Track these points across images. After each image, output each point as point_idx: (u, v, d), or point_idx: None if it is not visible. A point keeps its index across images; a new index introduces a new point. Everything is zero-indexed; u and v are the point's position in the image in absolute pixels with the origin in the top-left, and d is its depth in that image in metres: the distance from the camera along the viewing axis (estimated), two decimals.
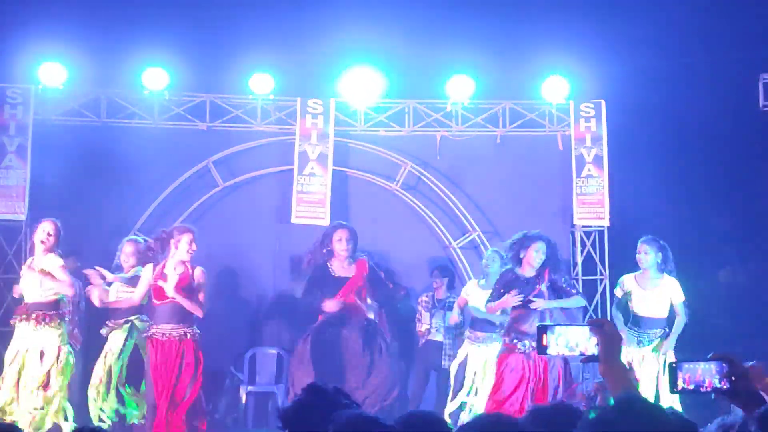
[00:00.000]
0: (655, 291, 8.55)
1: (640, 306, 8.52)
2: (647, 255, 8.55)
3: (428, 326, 9.78)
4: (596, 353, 3.20)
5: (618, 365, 3.13)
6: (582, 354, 3.24)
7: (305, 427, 3.54)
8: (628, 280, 8.73)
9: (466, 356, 9.16)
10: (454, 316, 9.54)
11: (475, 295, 9.21)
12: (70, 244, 9.85)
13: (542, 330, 3.27)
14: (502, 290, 7.94)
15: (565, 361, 7.74)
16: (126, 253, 9.05)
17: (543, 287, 7.90)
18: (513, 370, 7.71)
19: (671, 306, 8.61)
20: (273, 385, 10.42)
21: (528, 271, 7.98)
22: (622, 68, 11.03)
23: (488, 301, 8.13)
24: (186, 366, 7.86)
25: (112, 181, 10.59)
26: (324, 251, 8.82)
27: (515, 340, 7.79)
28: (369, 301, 8.95)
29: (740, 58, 10.99)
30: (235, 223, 10.84)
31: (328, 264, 8.75)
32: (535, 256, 7.92)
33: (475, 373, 9.06)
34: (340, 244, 8.82)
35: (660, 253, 8.60)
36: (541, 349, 3.28)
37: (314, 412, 3.59)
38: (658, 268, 8.57)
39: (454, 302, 9.76)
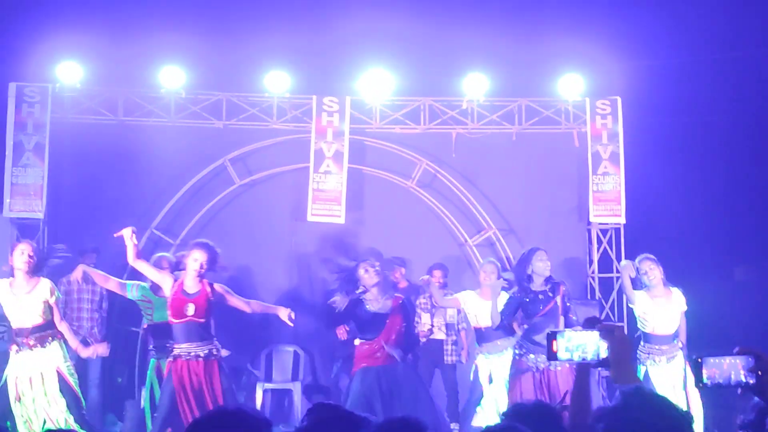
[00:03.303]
0: (667, 307, 8.33)
1: (654, 324, 8.29)
2: (652, 271, 8.24)
3: (430, 326, 9.69)
4: (606, 358, 3.20)
5: (628, 369, 3.12)
6: (593, 360, 3.24)
7: None
8: (642, 300, 8.31)
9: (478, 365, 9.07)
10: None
11: (475, 305, 8.98)
12: (88, 242, 9.93)
13: (552, 336, 3.27)
14: (517, 313, 7.87)
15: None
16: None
17: (558, 300, 7.83)
18: (524, 393, 7.60)
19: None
20: (289, 382, 10.43)
21: (539, 282, 7.85)
22: (638, 65, 11.02)
23: (503, 320, 7.97)
24: (214, 389, 7.49)
25: (129, 180, 10.62)
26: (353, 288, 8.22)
27: (524, 351, 7.69)
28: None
29: (757, 55, 10.95)
30: (252, 221, 10.87)
31: (362, 299, 8.09)
32: (541, 265, 7.88)
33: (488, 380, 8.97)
34: (367, 274, 8.12)
35: (660, 267, 8.38)
36: (551, 354, 3.27)
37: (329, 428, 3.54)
38: (664, 283, 8.37)
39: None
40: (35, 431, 7.42)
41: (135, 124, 10.80)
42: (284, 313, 7.82)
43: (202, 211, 10.69)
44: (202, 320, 7.63)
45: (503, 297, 8.13)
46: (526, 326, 7.91)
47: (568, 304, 7.86)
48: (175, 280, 7.72)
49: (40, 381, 7.51)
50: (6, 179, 10.15)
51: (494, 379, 8.63)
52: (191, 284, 7.66)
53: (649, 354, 8.16)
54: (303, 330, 11.00)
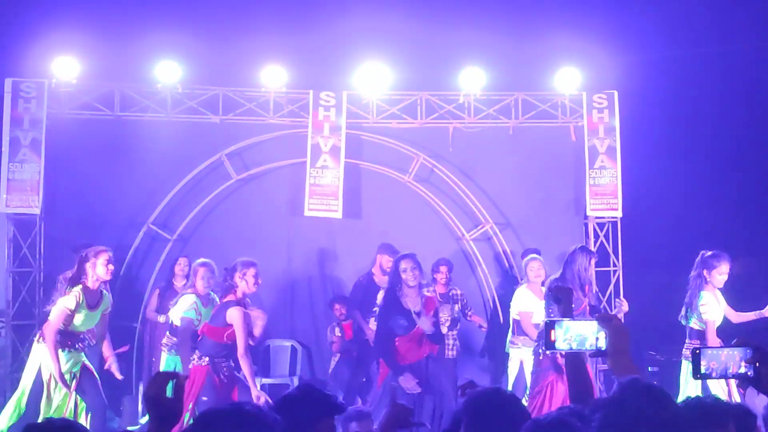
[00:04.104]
0: (722, 305, 8.27)
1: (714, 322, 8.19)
2: (727, 273, 8.07)
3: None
4: (604, 347, 3.20)
5: (626, 359, 3.12)
6: (590, 348, 3.25)
7: (293, 421, 3.59)
8: (712, 300, 8.05)
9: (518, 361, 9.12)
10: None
11: (527, 300, 9.00)
12: (84, 238, 9.92)
13: (550, 325, 3.28)
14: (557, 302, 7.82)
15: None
16: (201, 276, 8.38)
17: (586, 301, 7.81)
18: (551, 395, 7.59)
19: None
20: (287, 377, 10.44)
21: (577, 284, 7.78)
22: (635, 59, 11.02)
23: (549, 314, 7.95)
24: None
25: (125, 175, 10.60)
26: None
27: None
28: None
29: (753, 48, 10.96)
30: (248, 216, 10.86)
31: (399, 295, 7.93)
32: (591, 270, 7.96)
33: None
34: (405, 274, 7.95)
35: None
36: (549, 344, 3.28)
37: (305, 407, 3.65)
38: None
39: (456, 294, 9.72)
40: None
41: (131, 119, 10.79)
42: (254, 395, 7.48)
43: (199, 206, 10.67)
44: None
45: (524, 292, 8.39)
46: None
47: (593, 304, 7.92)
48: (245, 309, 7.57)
49: (74, 378, 7.60)
50: (2, 175, 10.13)
51: (525, 370, 8.73)
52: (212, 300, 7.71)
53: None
54: (300, 325, 11.02)
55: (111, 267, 7.68)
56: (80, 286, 7.55)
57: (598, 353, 3.22)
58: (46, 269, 10.23)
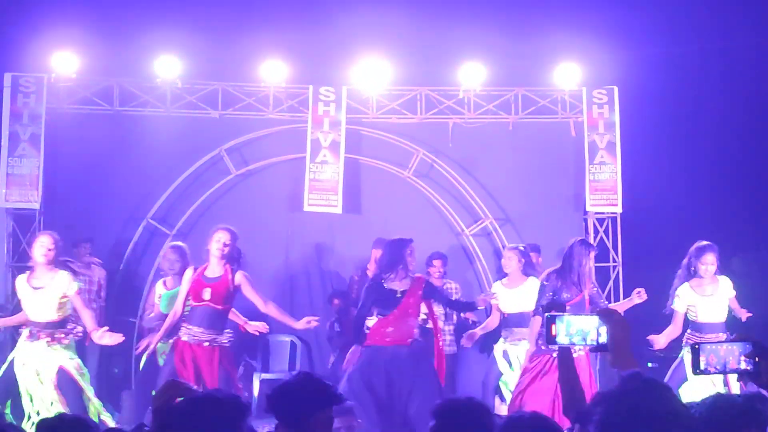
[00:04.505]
0: (715, 296, 8.30)
1: (703, 314, 8.25)
2: (713, 266, 8.15)
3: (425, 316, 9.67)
4: (605, 342, 3.20)
5: (627, 354, 3.12)
6: (592, 343, 3.24)
7: (290, 411, 3.57)
8: (686, 293, 8.20)
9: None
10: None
11: (502, 295, 8.99)
12: (84, 232, 9.93)
13: (551, 320, 3.27)
14: (551, 294, 7.84)
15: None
16: (170, 259, 8.57)
17: (586, 294, 7.85)
18: (542, 373, 7.65)
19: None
20: (286, 372, 10.43)
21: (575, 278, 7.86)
22: (635, 54, 11.01)
23: (538, 307, 7.91)
24: (213, 378, 7.46)
25: (124, 170, 10.59)
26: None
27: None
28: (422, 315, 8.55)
29: (754, 44, 10.95)
30: (248, 211, 10.83)
31: (382, 280, 7.97)
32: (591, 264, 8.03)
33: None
34: (411, 257, 8.02)
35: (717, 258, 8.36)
36: (550, 338, 3.27)
37: (301, 397, 3.62)
38: (716, 272, 8.35)
39: (451, 288, 9.71)
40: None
41: (131, 114, 10.77)
42: (302, 325, 7.76)
43: (198, 201, 10.66)
44: (219, 307, 7.63)
45: (533, 283, 8.37)
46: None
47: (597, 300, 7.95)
48: (195, 269, 7.66)
49: (41, 375, 7.51)
50: (1, 170, 10.12)
51: (514, 365, 8.69)
52: (214, 269, 7.66)
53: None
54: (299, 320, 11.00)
55: (46, 249, 7.56)
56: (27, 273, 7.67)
57: (599, 348, 3.22)
58: None
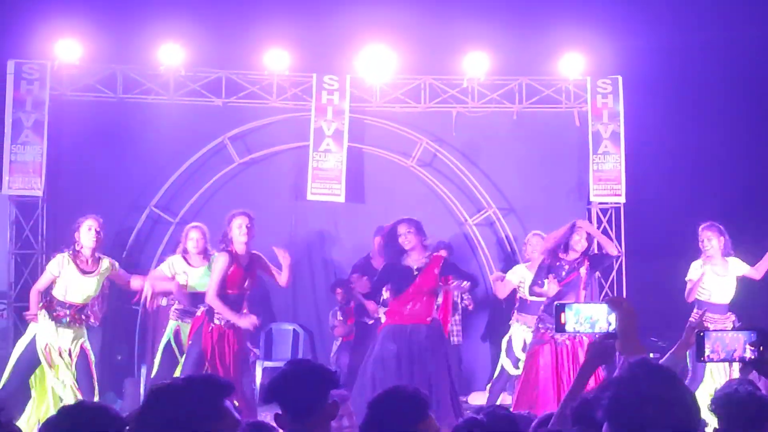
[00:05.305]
0: (725, 277, 8.47)
1: (709, 292, 8.42)
2: (710, 241, 8.50)
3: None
4: (614, 330, 3.20)
5: (635, 341, 3.12)
6: (601, 331, 3.24)
7: (291, 400, 3.54)
8: (697, 265, 8.59)
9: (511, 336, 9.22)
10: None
11: (527, 280, 9.07)
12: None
13: (560, 308, 3.27)
14: (546, 274, 8.07)
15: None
16: (194, 238, 8.50)
17: (582, 271, 8.06)
18: (544, 365, 7.75)
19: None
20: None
21: (572, 255, 8.19)
22: (639, 44, 10.96)
23: (533, 284, 8.34)
24: (236, 354, 7.61)
25: (128, 157, 10.59)
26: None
27: (545, 324, 7.84)
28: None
29: (758, 33, 10.91)
30: (251, 200, 10.77)
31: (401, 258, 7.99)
32: (577, 240, 8.21)
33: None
34: (401, 238, 8.00)
35: (722, 238, 8.53)
36: (559, 327, 3.28)
37: (301, 385, 3.60)
38: (723, 253, 8.52)
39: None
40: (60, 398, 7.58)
41: (134, 101, 10.76)
42: (245, 323, 7.67)
43: (202, 189, 10.66)
44: (249, 291, 7.85)
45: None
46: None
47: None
48: (230, 258, 7.63)
49: (67, 355, 7.67)
50: (5, 157, 10.11)
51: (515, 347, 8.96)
52: (244, 256, 7.71)
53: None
54: (303, 308, 11.03)
55: (94, 233, 7.83)
56: (68, 252, 7.80)
57: (607, 336, 3.21)
58: (49, 251, 10.18)
